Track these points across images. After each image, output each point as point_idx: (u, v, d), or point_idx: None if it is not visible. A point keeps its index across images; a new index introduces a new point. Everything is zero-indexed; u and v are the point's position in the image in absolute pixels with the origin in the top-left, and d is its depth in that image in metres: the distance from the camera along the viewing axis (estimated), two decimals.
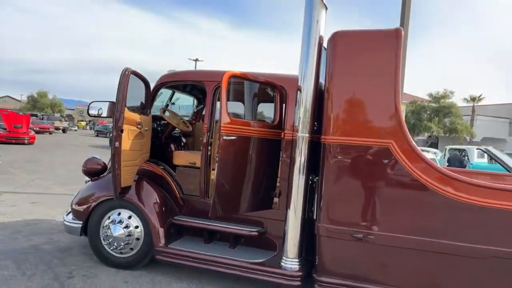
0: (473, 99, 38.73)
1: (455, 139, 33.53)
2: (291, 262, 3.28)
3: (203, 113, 5.24)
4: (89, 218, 3.83)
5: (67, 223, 4.02)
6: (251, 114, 4.01)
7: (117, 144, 3.33)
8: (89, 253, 4.02)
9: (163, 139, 4.42)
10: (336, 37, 3.15)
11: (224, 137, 3.03)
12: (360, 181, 3.07)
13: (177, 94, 4.85)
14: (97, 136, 37.72)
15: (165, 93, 4.52)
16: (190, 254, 3.53)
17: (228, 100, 3.12)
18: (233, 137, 3.12)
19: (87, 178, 4.30)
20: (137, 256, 3.71)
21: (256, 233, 3.58)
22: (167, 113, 4.45)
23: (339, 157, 3.09)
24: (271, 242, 3.64)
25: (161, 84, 4.09)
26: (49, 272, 3.55)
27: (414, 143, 2.95)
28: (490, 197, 2.76)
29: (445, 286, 2.91)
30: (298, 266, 3.26)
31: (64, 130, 40.03)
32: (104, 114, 3.67)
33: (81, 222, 3.87)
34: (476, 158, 12.61)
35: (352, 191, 3.09)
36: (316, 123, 3.26)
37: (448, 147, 14.63)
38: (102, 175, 4.17)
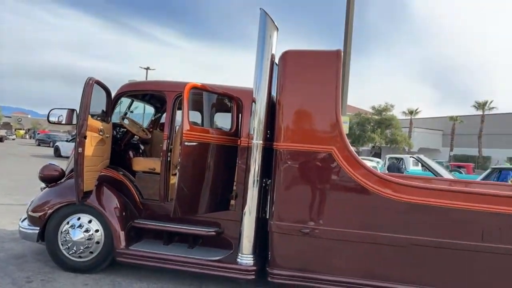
0: (410, 112, 41.96)
1: (396, 149, 36.02)
2: (246, 258, 3.58)
3: (161, 121, 5.46)
4: (47, 223, 3.87)
5: (22, 230, 4.01)
6: (210, 123, 4.31)
7: (80, 149, 3.46)
8: (44, 259, 4.04)
9: (122, 146, 4.56)
10: (286, 55, 3.58)
11: (186, 143, 3.30)
12: (307, 183, 3.49)
13: (136, 103, 5.01)
14: (38, 145, 35.56)
15: (125, 101, 4.67)
16: (150, 255, 3.71)
17: (189, 109, 3.40)
18: (193, 143, 3.39)
19: (43, 185, 4.31)
20: (96, 260, 3.81)
21: (213, 233, 3.85)
22: (126, 121, 4.60)
23: (289, 162, 3.48)
24: (227, 242, 3.92)
25: (122, 93, 4.26)
26: (6, 278, 3.54)
27: (352, 148, 3.43)
28: (414, 195, 3.29)
29: (380, 272, 3.38)
30: (252, 261, 3.57)
31: (1, 139, 37.27)
32: (64, 121, 3.77)
33: (38, 228, 3.89)
34: (412, 166, 13.87)
35: (300, 191, 3.49)
36: (269, 131, 3.64)
37: (387, 156, 15.93)
38: (60, 181, 4.21)
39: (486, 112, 39.51)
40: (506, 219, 3.10)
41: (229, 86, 4.02)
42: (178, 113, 4.23)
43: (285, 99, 3.54)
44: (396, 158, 15.03)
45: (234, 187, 3.91)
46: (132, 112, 4.97)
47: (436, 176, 7.25)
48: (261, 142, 3.56)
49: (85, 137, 3.49)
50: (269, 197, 3.64)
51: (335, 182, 3.42)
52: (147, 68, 37.51)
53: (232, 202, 3.92)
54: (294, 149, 3.47)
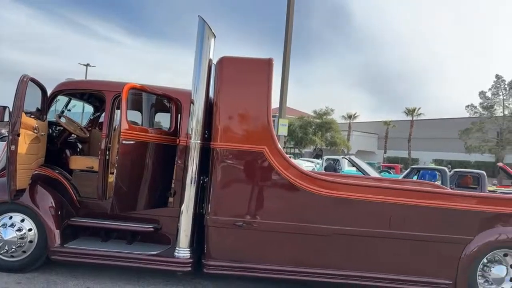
0: (349, 116, 44.43)
1: (335, 151, 37.95)
2: (183, 251, 3.78)
3: (100, 120, 5.44)
4: None
5: None
6: (149, 123, 4.43)
7: (13, 147, 3.42)
8: None
9: (59, 145, 4.51)
10: (223, 61, 3.85)
11: (124, 142, 3.42)
12: (241, 180, 3.77)
13: (74, 101, 4.97)
14: None
15: (62, 100, 4.62)
16: (87, 252, 3.75)
17: (127, 109, 3.53)
18: (131, 142, 3.53)
19: None
20: (30, 259, 3.77)
21: (152, 229, 3.99)
22: (63, 119, 4.56)
23: (225, 160, 3.74)
24: (166, 237, 4.08)
25: (58, 91, 4.23)
26: None
27: (281, 148, 3.78)
28: (335, 190, 3.71)
29: (307, 259, 3.75)
30: (189, 254, 3.77)
31: None
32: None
33: None
34: (347, 167, 14.87)
35: (235, 188, 3.78)
36: (206, 131, 3.87)
37: (325, 157, 16.94)
38: None
39: (415, 118, 42.99)
40: (409, 209, 3.64)
41: (169, 87, 4.19)
42: (117, 112, 4.32)
43: (221, 101, 3.80)
44: (333, 159, 16.05)
45: (173, 185, 4.08)
46: (69, 110, 4.91)
47: (365, 175, 7.97)
48: (199, 141, 3.79)
49: (18, 135, 3.46)
50: (206, 193, 3.87)
51: (266, 179, 3.75)
52: (87, 65, 35.81)
53: (171, 199, 4.08)
54: (230, 148, 3.74)
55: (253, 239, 3.75)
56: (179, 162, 4.03)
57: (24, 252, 3.75)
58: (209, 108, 3.89)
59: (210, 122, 3.85)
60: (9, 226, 3.72)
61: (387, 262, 3.70)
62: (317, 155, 39.43)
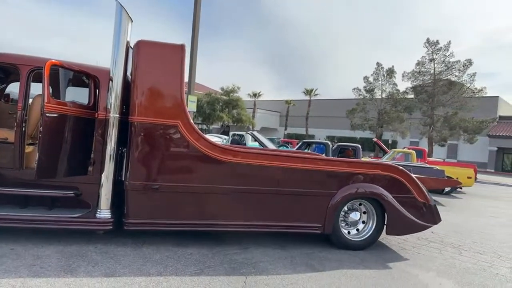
0: (254, 94, 46.31)
1: (241, 128, 39.52)
2: (104, 212, 4.27)
3: (4, 92, 5.39)
4: None
5: None
6: (66, 97, 4.65)
7: None
8: None
9: None
10: (140, 44, 4.31)
11: (47, 115, 3.73)
12: (157, 150, 4.36)
13: None
14: None
15: None
16: (7, 217, 3.99)
17: (49, 84, 3.81)
18: (54, 115, 3.84)
19: None
20: None
21: (72, 194, 4.36)
22: None
23: (142, 133, 4.28)
24: (85, 203, 4.47)
25: None
26: None
27: (192, 122, 4.46)
28: (234, 156, 4.56)
29: (212, 213, 4.56)
30: (110, 215, 4.28)
31: None
32: None
33: None
34: (251, 142, 16.16)
35: (151, 156, 4.35)
36: (124, 106, 4.34)
37: (231, 133, 18.02)
38: None
39: (312, 98, 46.87)
40: (290, 171, 4.69)
41: (87, 64, 4.49)
42: (32, 86, 4.47)
43: (139, 80, 4.29)
44: (238, 135, 17.21)
45: (92, 155, 4.47)
46: None
47: (264, 147, 9.08)
48: (118, 115, 4.25)
49: None
50: (124, 162, 4.38)
51: (179, 148, 4.41)
52: None
53: (90, 168, 4.48)
54: (147, 122, 4.29)
55: (168, 200, 4.41)
56: (97, 134, 4.43)
57: None
58: (127, 85, 4.35)
59: (129, 98, 4.32)
60: None
61: (274, 212, 4.73)
62: (225, 131, 40.59)
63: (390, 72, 30.48)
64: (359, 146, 12.24)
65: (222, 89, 40.21)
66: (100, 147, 4.40)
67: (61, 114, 3.97)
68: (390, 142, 31.70)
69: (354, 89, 32.30)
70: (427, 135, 27.82)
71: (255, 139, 10.79)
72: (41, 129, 3.73)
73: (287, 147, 20.87)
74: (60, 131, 4.02)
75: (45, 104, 3.72)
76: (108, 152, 4.23)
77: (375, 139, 17.75)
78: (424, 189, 5.23)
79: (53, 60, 3.88)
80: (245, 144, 15.94)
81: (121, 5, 4.21)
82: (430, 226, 5.29)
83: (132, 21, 4.37)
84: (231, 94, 39.47)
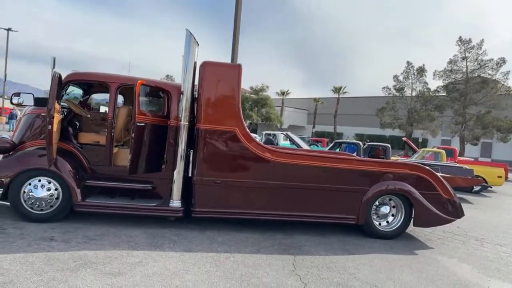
0: (282, 93, 47.02)
1: (270, 126, 40.37)
2: (176, 202, 5.23)
3: (88, 102, 6.49)
4: (9, 185, 4.78)
5: None
6: (145, 107, 5.66)
7: (50, 127, 4.52)
8: (1, 215, 4.94)
9: (65, 123, 5.55)
10: (205, 64, 5.23)
11: (138, 124, 4.72)
12: (219, 151, 5.28)
13: (71, 87, 5.94)
14: None
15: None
16: (103, 204, 5.02)
17: (139, 100, 4.79)
18: (142, 124, 4.83)
19: None
20: (56, 212, 4.92)
21: (150, 187, 5.36)
22: (63, 103, 5.57)
23: (207, 137, 5.21)
24: (158, 194, 5.46)
25: (70, 81, 5.26)
26: None
27: (248, 129, 5.35)
28: (283, 157, 5.41)
29: (264, 205, 5.42)
30: (180, 204, 5.24)
31: None
32: (28, 103, 4.72)
33: (0, 189, 4.77)
34: (282, 140, 16.98)
35: (214, 157, 5.27)
36: (192, 115, 5.28)
37: (264, 132, 18.90)
38: (12, 151, 5.06)
39: (341, 96, 47.04)
40: (328, 170, 5.48)
41: (161, 81, 5.48)
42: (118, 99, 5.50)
43: (204, 94, 5.21)
44: (270, 134, 18.05)
45: (165, 156, 5.44)
46: (68, 94, 5.89)
47: (298, 147, 9.89)
48: (187, 123, 5.19)
49: (53, 117, 4.55)
50: (192, 161, 5.33)
51: (236, 150, 5.30)
52: (8, 29, 33.01)
53: (163, 166, 5.45)
54: (210, 129, 5.21)
55: (227, 193, 5.32)
56: (169, 138, 5.39)
57: (51, 206, 4.90)
58: (194, 98, 5.29)
59: (192, 108, 5.25)
60: (40, 187, 4.84)
61: (315, 205, 5.54)
62: (253, 129, 41.59)
63: (421, 70, 30.39)
64: (389, 145, 12.80)
65: (251, 88, 41.19)
66: (171, 149, 5.36)
67: (147, 123, 4.96)
68: (420, 140, 31.63)
69: (383, 88, 32.43)
70: (458, 134, 27.62)
71: (289, 139, 11.60)
72: (133, 135, 4.73)
73: (318, 146, 21.51)
74: (145, 137, 5.01)
75: (136, 116, 4.71)
76: (180, 153, 5.18)
77: (404, 138, 18.10)
78: (448, 186, 5.88)
79: (142, 80, 4.87)
80: (277, 143, 16.78)
81: (190, 32, 5.13)
82: (454, 220, 5.94)
83: (198, 44, 5.30)
84: (260, 93, 40.38)
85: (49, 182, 4.91)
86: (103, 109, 10.31)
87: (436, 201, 5.80)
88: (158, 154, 5.37)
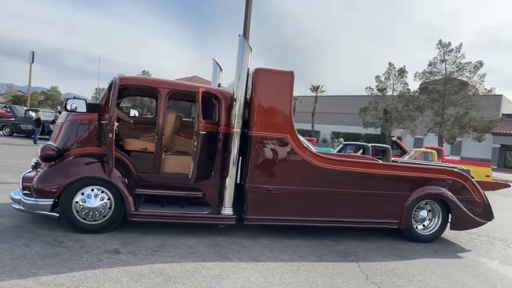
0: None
1: None
2: (228, 209, 5.16)
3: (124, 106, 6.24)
4: (60, 195, 4.54)
5: (29, 202, 4.52)
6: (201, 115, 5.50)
7: (110, 135, 4.33)
8: (48, 226, 4.70)
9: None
10: (258, 70, 5.17)
11: (200, 132, 4.61)
12: (271, 158, 5.25)
13: None
14: None
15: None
16: (157, 213, 4.88)
17: (201, 108, 4.67)
18: (204, 132, 4.73)
19: (33, 163, 4.82)
20: (108, 222, 4.73)
21: (201, 195, 5.25)
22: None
23: (259, 144, 5.17)
24: (206, 202, 5.37)
25: (120, 86, 5.05)
26: (37, 243, 4.18)
27: (299, 135, 5.35)
28: (332, 164, 5.46)
29: (313, 211, 5.46)
30: (232, 212, 5.17)
31: None
32: (81, 110, 4.50)
33: (50, 199, 4.52)
34: None
35: (266, 164, 5.24)
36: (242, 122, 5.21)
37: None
38: (59, 159, 4.81)
39: (318, 94, 47.65)
40: (373, 176, 5.60)
41: (213, 87, 5.36)
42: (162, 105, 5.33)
43: (257, 100, 5.15)
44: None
45: (215, 162, 5.35)
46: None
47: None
48: (239, 130, 5.12)
49: (113, 125, 4.36)
50: (244, 168, 5.27)
51: (288, 157, 5.30)
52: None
53: (212, 173, 5.36)
54: (263, 136, 5.17)
55: (278, 200, 5.31)
56: (219, 145, 5.30)
57: (104, 216, 4.71)
58: (247, 105, 5.22)
59: (248, 116, 5.19)
60: (93, 197, 4.63)
61: (360, 211, 5.65)
62: None
63: (402, 72, 31.41)
64: (389, 147, 13.16)
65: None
66: (220, 156, 5.27)
67: (208, 131, 4.86)
68: (393, 139, 32.80)
69: (366, 88, 33.25)
70: (437, 133, 28.83)
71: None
72: (195, 143, 4.61)
73: None
74: (206, 145, 4.90)
75: (199, 124, 4.60)
76: (232, 160, 5.11)
77: (394, 138, 18.66)
78: (481, 190, 6.16)
79: (203, 88, 4.75)
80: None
81: (243, 38, 5.06)
82: (486, 223, 6.23)
83: (251, 50, 5.23)
84: None
85: (102, 192, 4.71)
86: (132, 113, 9.97)
87: (470, 205, 6.06)
88: (211, 162, 5.27)
